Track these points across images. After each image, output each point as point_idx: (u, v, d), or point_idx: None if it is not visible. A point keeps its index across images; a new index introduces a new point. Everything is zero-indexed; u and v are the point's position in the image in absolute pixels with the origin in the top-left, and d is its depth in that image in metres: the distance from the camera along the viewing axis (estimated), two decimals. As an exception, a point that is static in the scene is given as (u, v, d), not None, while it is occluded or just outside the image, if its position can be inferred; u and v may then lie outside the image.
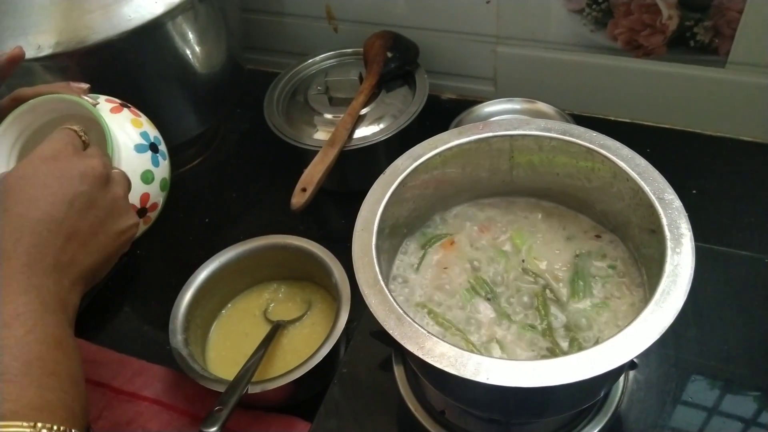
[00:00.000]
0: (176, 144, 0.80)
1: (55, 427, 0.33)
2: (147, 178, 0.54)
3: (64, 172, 0.42)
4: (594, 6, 0.73)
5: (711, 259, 0.64)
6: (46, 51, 0.64)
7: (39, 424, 0.32)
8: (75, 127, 0.46)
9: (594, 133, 0.48)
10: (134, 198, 0.51)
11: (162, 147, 0.58)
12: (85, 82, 0.69)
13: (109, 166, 0.46)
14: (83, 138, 0.47)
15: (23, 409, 0.32)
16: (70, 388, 0.36)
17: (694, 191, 0.72)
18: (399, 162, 0.52)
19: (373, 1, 0.84)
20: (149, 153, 0.55)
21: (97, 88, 0.70)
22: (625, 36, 0.74)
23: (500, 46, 0.81)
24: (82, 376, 0.38)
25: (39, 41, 0.65)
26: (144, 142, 0.55)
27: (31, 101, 0.53)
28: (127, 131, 0.54)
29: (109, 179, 0.45)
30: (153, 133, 0.58)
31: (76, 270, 0.40)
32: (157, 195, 0.55)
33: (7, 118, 0.53)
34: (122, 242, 0.45)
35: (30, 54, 0.64)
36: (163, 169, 0.56)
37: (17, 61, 0.56)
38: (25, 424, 0.31)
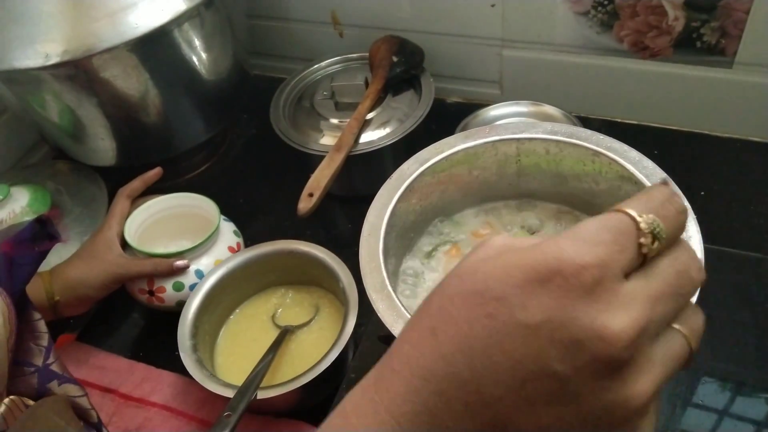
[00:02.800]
0: (184, 150, 0.81)
1: None
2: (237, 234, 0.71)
3: (545, 325, 0.21)
4: (599, 8, 0.73)
5: (720, 261, 0.64)
6: (54, 60, 0.65)
7: None
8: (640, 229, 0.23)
9: (601, 136, 0.48)
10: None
11: None
12: (94, 88, 0.70)
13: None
14: (646, 250, 0.23)
15: None
16: None
17: (703, 193, 0.71)
18: (405, 166, 0.52)
19: (378, 5, 0.85)
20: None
21: (104, 95, 0.71)
22: (632, 38, 0.74)
23: (506, 49, 0.81)
24: None
25: (46, 50, 0.65)
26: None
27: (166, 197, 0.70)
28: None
29: (631, 366, 0.22)
30: None
31: None
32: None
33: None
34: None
35: (38, 63, 0.65)
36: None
37: (154, 180, 0.73)
38: None
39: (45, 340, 0.47)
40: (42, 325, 0.47)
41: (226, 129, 0.91)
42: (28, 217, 0.71)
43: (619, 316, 0.21)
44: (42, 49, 0.65)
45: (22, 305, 0.48)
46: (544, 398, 0.21)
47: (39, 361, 0.46)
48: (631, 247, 0.22)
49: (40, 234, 0.46)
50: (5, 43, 0.66)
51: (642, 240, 0.22)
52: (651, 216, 0.23)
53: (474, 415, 0.22)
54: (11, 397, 0.43)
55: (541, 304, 0.21)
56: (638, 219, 0.22)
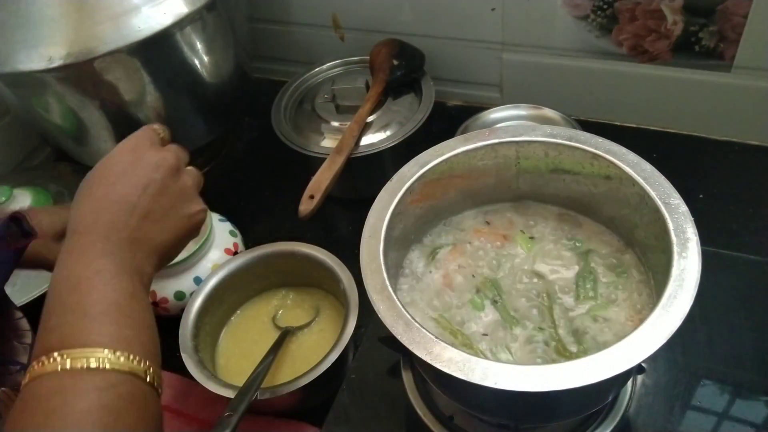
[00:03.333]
0: (185, 152, 0.82)
1: (131, 356, 0.38)
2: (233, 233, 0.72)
3: (140, 161, 0.47)
4: (599, 12, 0.73)
5: (719, 264, 0.64)
6: (57, 62, 0.65)
7: (118, 352, 0.37)
8: (155, 126, 0.53)
9: (599, 139, 0.49)
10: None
11: None
12: (97, 91, 0.70)
13: (182, 160, 0.50)
14: (162, 135, 0.52)
15: (104, 339, 0.37)
16: (145, 330, 0.41)
17: (702, 195, 0.72)
18: (406, 169, 0.52)
19: (379, 9, 0.85)
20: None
21: (107, 98, 0.71)
22: (631, 41, 0.74)
23: (506, 52, 0.82)
24: (155, 325, 0.43)
25: (50, 53, 0.65)
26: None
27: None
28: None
29: (180, 171, 0.49)
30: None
31: (149, 245, 0.45)
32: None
33: None
34: (191, 225, 0.49)
35: (41, 66, 0.66)
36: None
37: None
38: (106, 350, 0.37)
39: (29, 338, 0.47)
40: (25, 323, 0.48)
41: (227, 132, 0.92)
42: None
43: (169, 153, 0.48)
44: (45, 52, 0.65)
45: (3, 304, 0.49)
46: (156, 192, 0.45)
47: (25, 359, 0.47)
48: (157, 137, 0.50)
49: (15, 232, 0.46)
50: (9, 46, 0.67)
51: (161, 135, 0.52)
52: (159, 125, 0.53)
53: (132, 214, 0.44)
54: (3, 388, 0.44)
55: (148, 157, 0.47)
56: (155, 127, 0.52)
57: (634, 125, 0.82)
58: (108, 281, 0.40)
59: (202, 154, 0.88)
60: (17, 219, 0.47)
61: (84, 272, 0.40)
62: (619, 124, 0.83)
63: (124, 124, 0.75)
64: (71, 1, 0.67)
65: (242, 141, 0.93)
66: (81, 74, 0.68)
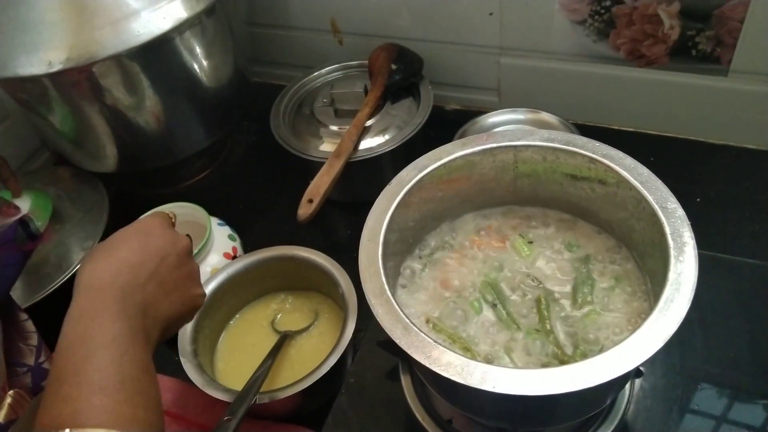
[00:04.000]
0: (184, 157, 0.82)
1: None
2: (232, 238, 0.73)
3: (159, 236, 0.49)
4: (596, 17, 0.74)
5: (716, 267, 0.64)
6: (57, 67, 0.65)
7: None
8: (167, 212, 0.55)
9: (597, 143, 0.49)
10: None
11: None
12: (97, 95, 0.71)
13: (191, 245, 0.52)
14: (172, 219, 0.55)
15: (117, 420, 0.37)
16: (155, 408, 0.41)
17: (699, 199, 0.72)
18: (404, 173, 0.52)
19: (377, 13, 0.85)
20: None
21: (106, 102, 0.72)
22: (628, 46, 0.75)
23: (503, 57, 0.82)
24: (161, 399, 0.43)
25: (50, 57, 0.66)
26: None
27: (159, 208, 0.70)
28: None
29: (191, 254, 0.52)
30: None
31: (157, 314, 0.46)
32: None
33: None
34: (192, 306, 0.50)
35: (41, 70, 0.66)
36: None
37: None
38: None
39: (35, 340, 0.48)
40: (30, 325, 0.48)
41: (226, 136, 0.92)
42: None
43: (183, 235, 0.51)
44: (46, 56, 0.66)
45: (8, 306, 0.49)
46: (172, 265, 0.47)
47: (31, 361, 0.47)
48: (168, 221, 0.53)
49: (23, 234, 0.47)
50: (9, 51, 0.67)
51: (172, 219, 0.54)
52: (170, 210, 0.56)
53: (149, 280, 0.45)
54: (16, 389, 0.44)
55: (165, 234, 0.49)
56: (167, 212, 0.55)
57: (632, 129, 0.82)
58: (125, 351, 0.40)
59: (201, 157, 0.88)
60: (25, 222, 0.48)
61: (101, 338, 0.40)
62: (617, 128, 0.83)
63: (123, 128, 0.75)
64: (71, 6, 0.67)
65: (241, 145, 0.93)
66: (81, 78, 0.68)
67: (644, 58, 0.75)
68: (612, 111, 0.82)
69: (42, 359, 0.48)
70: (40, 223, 0.68)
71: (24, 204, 0.74)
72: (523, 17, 0.77)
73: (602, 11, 0.73)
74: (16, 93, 0.72)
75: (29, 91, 0.71)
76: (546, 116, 0.76)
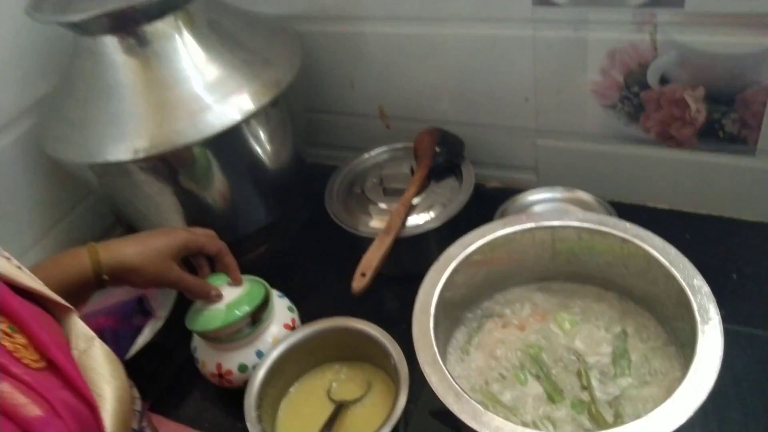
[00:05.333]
0: (247, 233, 0.89)
1: None
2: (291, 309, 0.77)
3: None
4: (626, 101, 0.79)
5: (753, 343, 0.65)
6: (142, 154, 0.74)
7: None
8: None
9: (628, 224, 0.53)
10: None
11: None
12: (173, 178, 0.79)
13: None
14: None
15: None
16: None
17: (735, 276, 0.74)
18: (451, 250, 0.58)
19: (421, 100, 0.93)
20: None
21: (181, 184, 0.80)
22: (657, 128, 0.80)
23: (540, 138, 0.88)
24: None
25: (136, 146, 0.75)
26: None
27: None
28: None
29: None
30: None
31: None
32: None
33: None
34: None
35: (128, 157, 0.75)
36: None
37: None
38: None
39: (138, 405, 0.52)
40: (135, 391, 0.53)
41: (284, 213, 0.99)
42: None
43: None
44: (132, 145, 0.75)
45: None
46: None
47: (135, 424, 0.52)
48: None
49: (138, 310, 0.53)
50: (100, 139, 0.76)
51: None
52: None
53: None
54: None
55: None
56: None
57: (667, 207, 0.86)
58: None
59: (261, 233, 0.96)
60: (140, 299, 0.54)
61: None
62: (651, 205, 0.86)
63: (193, 206, 0.83)
64: (154, 101, 0.76)
65: (297, 221, 1.00)
66: (160, 164, 0.77)
67: (673, 139, 0.80)
68: (646, 189, 0.86)
69: (144, 424, 0.52)
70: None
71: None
72: (556, 102, 0.83)
73: (631, 96, 0.78)
74: (103, 176, 0.81)
75: (115, 174, 0.79)
76: (582, 194, 0.81)
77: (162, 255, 0.64)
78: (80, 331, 0.42)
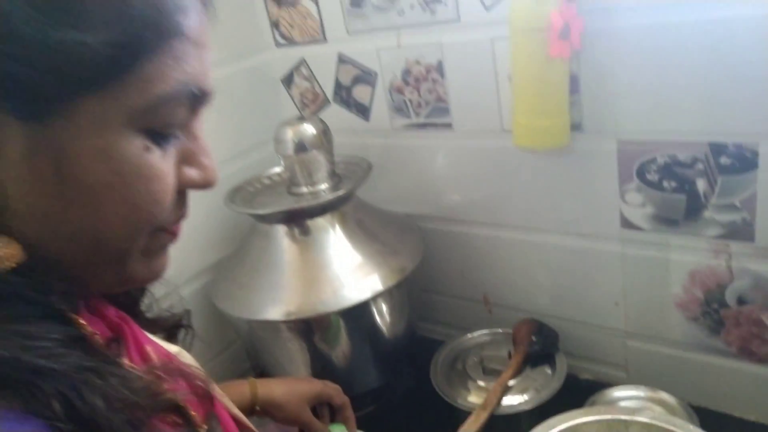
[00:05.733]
0: (359, 393, 1.03)
1: None
2: None
3: None
4: (707, 316, 0.89)
5: None
6: (292, 317, 0.93)
7: None
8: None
9: (691, 427, 0.62)
10: None
11: None
12: (309, 337, 0.97)
13: None
14: None
15: None
16: None
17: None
18: (538, 430, 0.68)
19: (522, 293, 1.08)
20: None
21: (314, 342, 0.97)
22: (738, 343, 0.87)
23: (629, 339, 0.98)
24: None
25: (288, 309, 0.94)
26: None
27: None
28: None
29: None
30: None
31: None
32: None
33: None
34: None
35: (280, 317, 0.94)
36: None
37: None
38: None
39: None
40: None
41: (392, 378, 1.13)
42: None
43: None
44: (285, 308, 0.94)
45: None
46: None
47: None
48: None
49: None
50: (261, 301, 0.97)
51: None
52: None
53: None
54: None
55: None
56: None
57: (753, 419, 0.90)
58: None
59: (371, 394, 1.09)
60: None
61: None
62: (738, 416, 0.91)
63: (319, 362, 0.99)
64: (307, 277, 0.97)
65: (402, 387, 1.12)
66: (303, 325, 0.95)
67: (755, 355, 0.87)
68: (732, 399, 0.91)
69: None
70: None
71: None
72: (644, 309, 0.94)
73: (712, 312, 0.88)
74: (256, 330, 1.01)
75: (266, 330, 0.99)
76: (666, 396, 0.88)
77: (302, 399, 0.80)
78: None
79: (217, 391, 0.54)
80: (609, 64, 0.83)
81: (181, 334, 0.58)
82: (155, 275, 0.45)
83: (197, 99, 0.40)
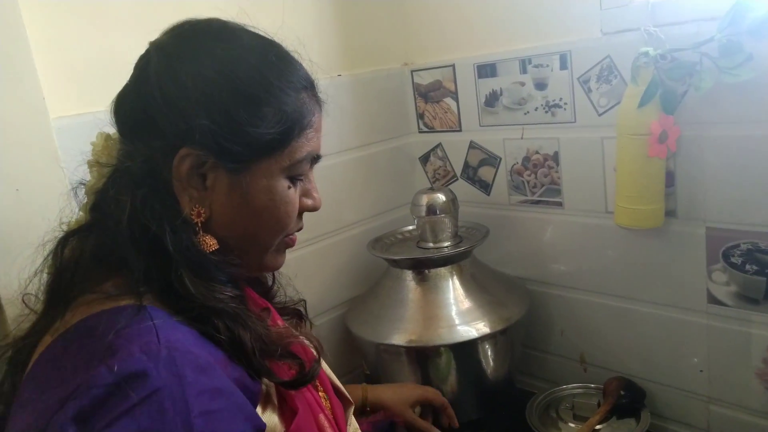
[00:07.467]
0: (459, 421, 1.19)
1: None
2: None
3: None
4: (787, 390, 0.98)
5: None
6: (413, 344, 1.14)
7: None
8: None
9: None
10: None
11: None
12: (422, 362, 1.16)
13: None
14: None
15: None
16: None
17: None
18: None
19: (615, 355, 1.20)
20: None
21: (423, 369, 1.16)
22: (815, 417, 0.95)
23: (712, 404, 1.07)
24: None
25: (410, 337, 1.14)
26: None
27: None
28: None
29: None
30: None
31: None
32: None
33: None
34: None
35: (403, 343, 1.14)
36: None
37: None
38: None
39: None
40: None
41: (491, 413, 1.27)
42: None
43: None
44: (407, 336, 1.15)
45: None
46: None
47: None
48: None
49: (389, 430, 0.88)
50: (389, 329, 1.17)
51: None
52: None
53: None
54: None
55: None
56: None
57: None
58: None
59: (471, 425, 1.25)
60: (392, 423, 0.90)
61: None
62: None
63: (428, 386, 1.17)
64: (427, 314, 1.17)
65: (500, 426, 1.27)
66: (419, 353, 1.15)
67: (832, 429, 0.94)
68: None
69: None
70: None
71: None
72: (727, 378, 1.04)
73: (791, 386, 0.97)
74: (381, 352, 1.21)
75: (390, 353, 1.19)
76: (742, 456, 0.97)
77: (407, 402, 1.04)
78: (352, 421, 0.80)
79: (324, 364, 0.77)
80: (701, 164, 1.00)
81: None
82: (278, 266, 0.72)
83: (315, 159, 0.69)
